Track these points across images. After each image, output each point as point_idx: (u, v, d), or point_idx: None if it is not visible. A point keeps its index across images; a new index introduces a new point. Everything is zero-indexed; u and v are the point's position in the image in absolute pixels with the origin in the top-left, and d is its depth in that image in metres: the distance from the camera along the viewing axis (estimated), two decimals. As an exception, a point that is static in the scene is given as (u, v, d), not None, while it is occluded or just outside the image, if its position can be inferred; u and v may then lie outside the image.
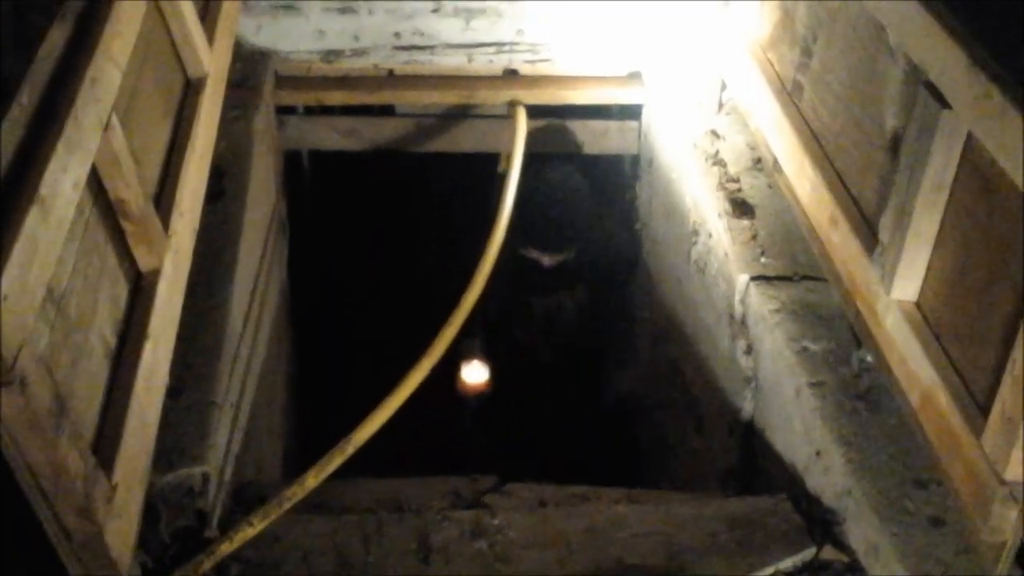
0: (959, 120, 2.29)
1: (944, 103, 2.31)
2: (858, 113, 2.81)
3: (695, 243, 3.75)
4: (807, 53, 3.13)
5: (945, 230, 2.41)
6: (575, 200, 4.45)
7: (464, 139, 4.68)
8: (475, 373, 4.30)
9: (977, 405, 2.24)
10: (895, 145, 2.57)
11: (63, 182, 2.06)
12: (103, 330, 2.31)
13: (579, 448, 4.07)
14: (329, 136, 4.68)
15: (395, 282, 4.94)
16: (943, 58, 2.31)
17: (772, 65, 3.40)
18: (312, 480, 2.71)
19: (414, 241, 5.13)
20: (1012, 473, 2.10)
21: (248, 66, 4.08)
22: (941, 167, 2.36)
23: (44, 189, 1.95)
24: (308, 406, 4.29)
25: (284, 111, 4.51)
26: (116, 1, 2.55)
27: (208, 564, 2.44)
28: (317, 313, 4.68)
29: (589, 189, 4.55)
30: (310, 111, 4.67)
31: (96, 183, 2.35)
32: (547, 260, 4.46)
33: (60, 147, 2.05)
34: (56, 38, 2.32)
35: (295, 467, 2.83)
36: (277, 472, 3.61)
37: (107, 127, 2.35)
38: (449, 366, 3.36)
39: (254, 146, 3.65)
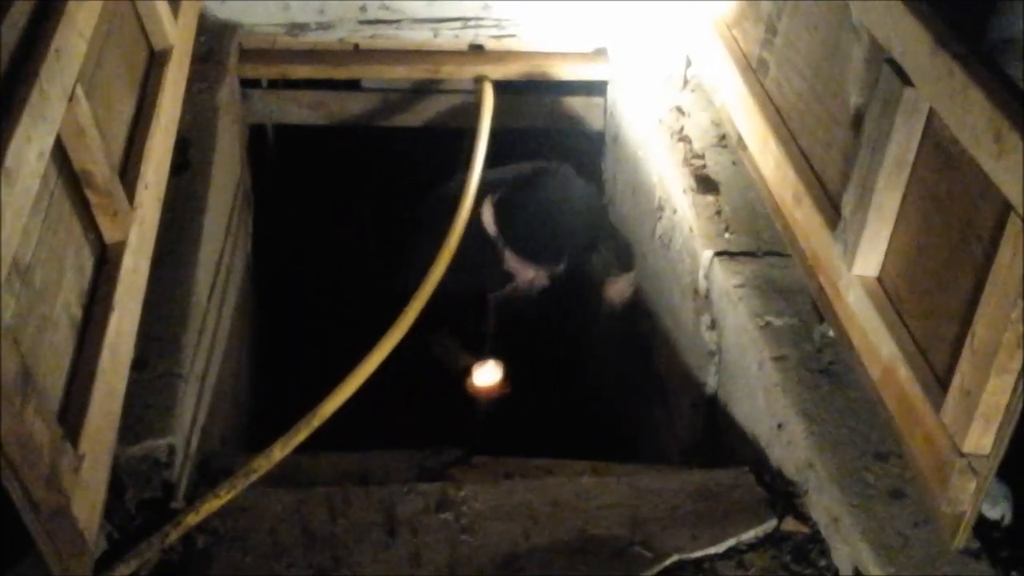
0: (921, 97, 2.31)
1: (906, 80, 2.33)
2: (821, 90, 2.83)
3: (660, 219, 3.77)
4: (772, 30, 3.15)
5: (906, 206, 2.44)
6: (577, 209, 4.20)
7: (430, 114, 4.67)
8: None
9: (936, 379, 2.28)
10: (858, 122, 2.60)
11: (28, 153, 2.05)
12: (68, 301, 2.30)
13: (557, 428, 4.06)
14: (294, 110, 4.65)
15: (361, 255, 4.93)
16: (905, 36, 2.34)
17: (737, 42, 3.42)
18: (278, 452, 2.72)
19: (380, 215, 5.11)
20: (970, 445, 2.13)
21: (213, 39, 4.06)
22: (903, 144, 2.39)
23: (9, 160, 1.94)
24: (274, 378, 4.28)
25: (249, 84, 4.47)
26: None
27: (174, 535, 2.45)
28: (283, 285, 4.67)
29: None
30: (275, 84, 4.64)
31: (61, 154, 2.34)
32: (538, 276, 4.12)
33: (25, 118, 2.05)
34: (21, 8, 2.31)
35: (261, 439, 2.83)
36: (243, 444, 3.61)
37: (72, 98, 2.34)
38: (416, 339, 3.36)
39: (219, 119, 3.64)
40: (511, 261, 3.99)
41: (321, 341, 4.17)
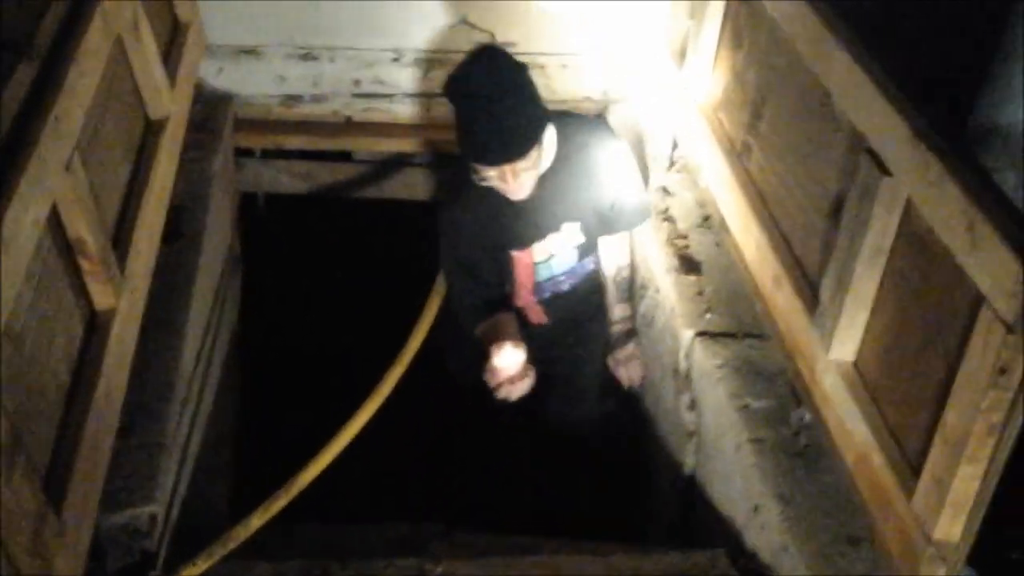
0: (899, 187, 2.37)
1: (885, 170, 2.39)
2: (803, 176, 2.89)
3: (643, 297, 3.81)
4: (756, 115, 3.22)
5: (883, 293, 2.49)
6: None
7: (420, 186, 4.74)
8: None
9: (909, 466, 2.31)
10: (837, 209, 2.65)
11: (24, 221, 2.10)
12: (57, 367, 2.33)
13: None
14: (286, 179, 4.72)
15: (345, 323, 4.95)
16: (884, 127, 2.40)
17: (722, 125, 3.49)
18: (257, 521, 2.74)
19: (366, 284, 5.15)
20: (940, 533, 2.17)
21: (208, 108, 4.11)
22: (880, 232, 2.44)
23: (6, 228, 1.98)
24: (256, 446, 4.29)
25: (242, 153, 4.54)
26: (82, 41, 2.60)
27: (152, 604, 2.46)
28: (268, 351, 4.69)
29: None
30: (267, 154, 4.70)
31: (56, 222, 2.38)
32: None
33: (23, 186, 2.09)
34: (23, 75, 2.36)
35: (241, 507, 2.84)
36: (223, 512, 3.62)
37: (69, 166, 2.39)
38: (397, 406, 3.38)
39: (212, 188, 3.68)
40: None
41: (306, 406, 4.18)
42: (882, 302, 2.49)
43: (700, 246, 3.62)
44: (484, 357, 3.50)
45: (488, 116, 3.05)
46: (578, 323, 3.82)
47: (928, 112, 2.33)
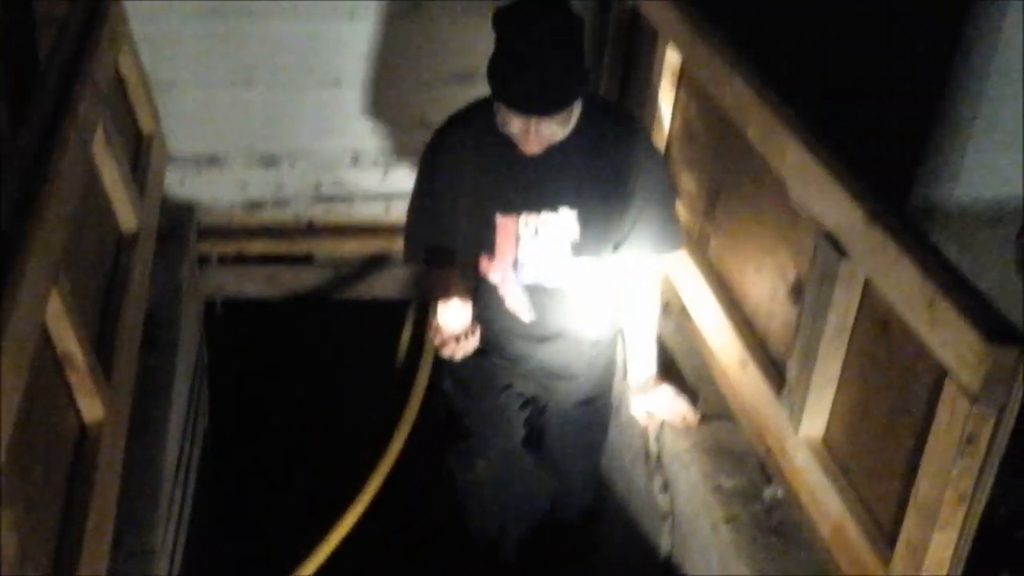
0: (857, 269, 2.47)
1: (843, 253, 2.50)
2: (762, 261, 3.00)
3: (613, 374, 3.87)
4: (712, 204, 3.33)
5: (848, 370, 2.59)
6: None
7: (382, 287, 4.81)
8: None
9: (884, 535, 2.40)
10: (798, 291, 2.75)
11: (17, 337, 2.14)
12: (55, 482, 2.37)
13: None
14: (248, 284, 4.77)
15: (318, 429, 4.98)
16: (840, 211, 2.51)
17: (679, 215, 3.59)
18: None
19: (335, 386, 5.19)
20: (918, 599, 2.25)
21: (173, 217, 4.18)
22: (842, 312, 2.54)
23: (6, 342, 2.04)
24: (233, 549, 4.30)
25: (205, 260, 4.60)
26: (58, 165, 2.66)
27: None
28: (239, 456, 4.71)
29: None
30: (230, 259, 4.75)
31: (45, 338, 2.43)
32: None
33: (15, 305, 2.14)
34: (6, 198, 2.43)
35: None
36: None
37: (55, 285, 2.45)
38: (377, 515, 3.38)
39: (181, 296, 3.75)
40: None
41: (281, 513, 4.20)
42: (848, 379, 2.59)
43: (664, 331, 3.70)
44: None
45: (537, 61, 2.73)
46: (579, 353, 3.37)
47: (880, 195, 2.45)
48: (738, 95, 3.04)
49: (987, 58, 4.14)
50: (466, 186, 3.09)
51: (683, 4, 3.46)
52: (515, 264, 3.12)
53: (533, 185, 3.02)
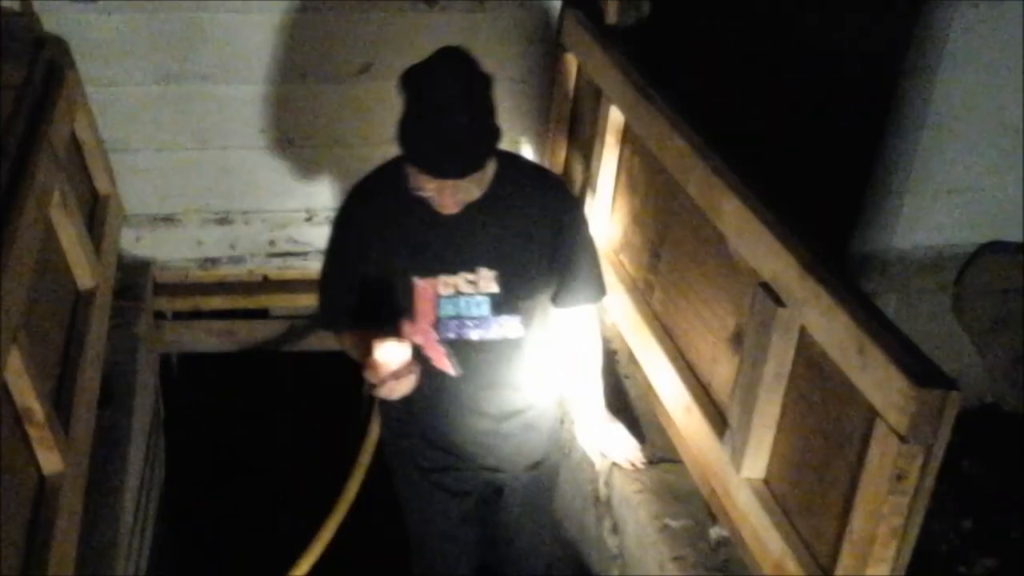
0: (793, 317, 2.57)
1: (779, 302, 2.60)
2: (703, 310, 3.10)
3: (560, 429, 3.95)
4: (656, 256, 3.44)
5: (786, 413, 2.68)
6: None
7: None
8: None
9: (822, 570, 2.48)
10: (738, 339, 2.86)
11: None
12: (14, 535, 2.42)
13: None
14: (204, 338, 4.81)
15: (274, 478, 5.02)
16: (776, 263, 2.62)
17: (624, 266, 3.70)
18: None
19: (290, 437, 5.23)
20: (855, 633, 2.34)
21: (129, 275, 4.24)
22: (780, 358, 2.63)
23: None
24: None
25: (161, 315, 4.65)
26: (16, 229, 2.72)
27: None
28: (196, 507, 4.74)
29: None
30: (185, 314, 4.79)
31: (5, 393, 2.49)
32: None
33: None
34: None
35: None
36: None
37: (15, 342, 2.51)
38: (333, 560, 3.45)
39: (138, 352, 3.80)
40: None
41: (238, 559, 4.23)
42: (786, 421, 2.69)
43: (613, 379, 3.79)
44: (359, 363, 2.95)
45: (448, 123, 2.63)
46: (512, 405, 3.24)
47: (815, 246, 2.56)
48: (679, 153, 3.15)
49: (922, 111, 4.30)
50: (378, 253, 2.98)
51: (626, 67, 3.57)
52: (435, 324, 3.03)
53: (449, 246, 2.94)
